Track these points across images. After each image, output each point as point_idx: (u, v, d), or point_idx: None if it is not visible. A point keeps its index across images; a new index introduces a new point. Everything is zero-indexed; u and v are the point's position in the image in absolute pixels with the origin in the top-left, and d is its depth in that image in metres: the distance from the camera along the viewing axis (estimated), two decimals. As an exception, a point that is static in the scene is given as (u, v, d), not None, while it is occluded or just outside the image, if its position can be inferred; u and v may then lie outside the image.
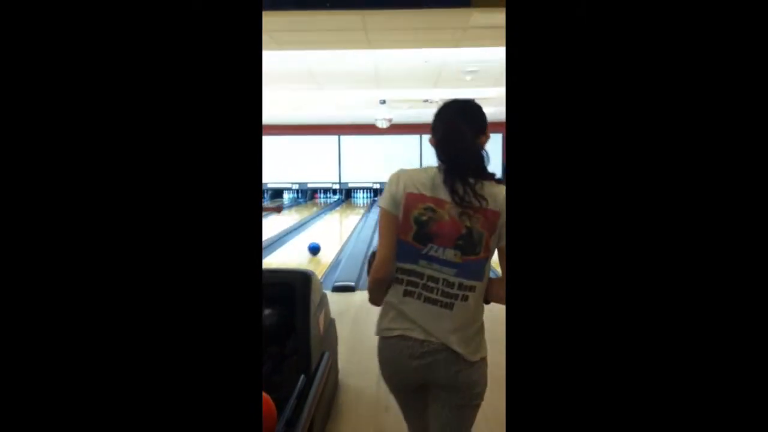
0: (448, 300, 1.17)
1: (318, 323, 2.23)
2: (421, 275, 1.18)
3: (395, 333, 1.20)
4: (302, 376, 1.89)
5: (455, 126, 1.19)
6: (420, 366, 1.18)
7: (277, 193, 13.99)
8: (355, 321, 3.77)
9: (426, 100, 8.27)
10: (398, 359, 1.20)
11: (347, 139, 13.44)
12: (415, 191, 1.19)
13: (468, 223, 1.15)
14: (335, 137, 13.46)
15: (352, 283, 4.80)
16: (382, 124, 10.12)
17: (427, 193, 1.18)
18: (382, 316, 1.24)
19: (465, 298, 1.17)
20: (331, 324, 2.61)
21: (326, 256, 6.39)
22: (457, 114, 1.21)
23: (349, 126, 12.95)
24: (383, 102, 8.92)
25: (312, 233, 8.65)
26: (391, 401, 2.53)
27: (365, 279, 5.39)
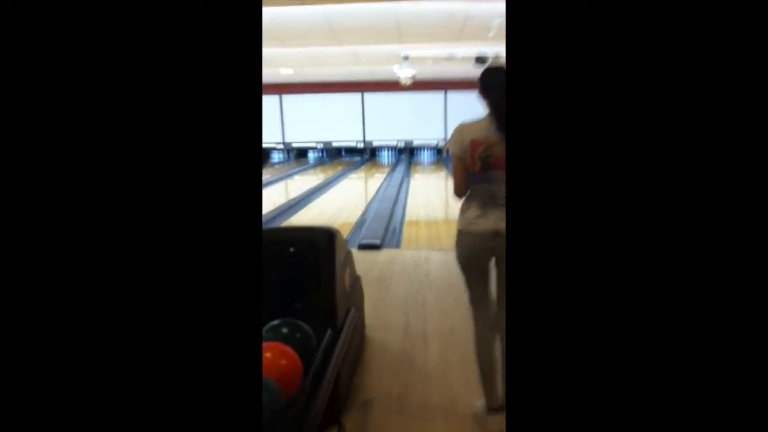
0: (504, 204, 1.74)
1: (343, 280, 2.25)
2: (487, 191, 1.82)
3: (474, 228, 1.85)
4: (329, 331, 1.93)
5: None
6: (491, 246, 1.83)
7: (302, 153, 14.01)
8: (380, 279, 3.81)
9: (449, 57, 8.06)
10: (476, 244, 1.85)
11: (371, 97, 13.27)
12: (476, 137, 1.79)
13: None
14: (358, 95, 13.30)
15: (378, 242, 4.83)
16: (406, 82, 9.95)
17: (485, 137, 1.78)
18: (464, 218, 1.87)
19: None
20: (356, 281, 2.64)
21: (352, 215, 6.43)
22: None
23: (372, 83, 12.76)
24: (406, 58, 8.73)
25: (337, 192, 8.68)
26: (417, 355, 2.58)
27: (390, 237, 5.43)
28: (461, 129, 1.82)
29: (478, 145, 1.78)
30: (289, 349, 1.60)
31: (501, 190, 1.79)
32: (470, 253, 1.87)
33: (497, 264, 1.89)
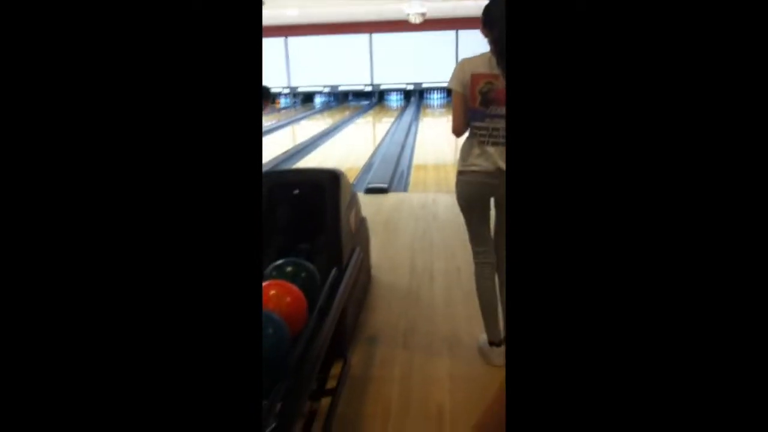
0: (506, 141, 1.61)
1: (349, 220, 2.27)
2: (487, 128, 1.78)
3: (474, 168, 1.84)
4: (334, 269, 1.96)
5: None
6: (492, 185, 1.82)
7: (309, 97, 13.80)
8: (387, 221, 3.84)
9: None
10: (477, 182, 1.84)
11: (379, 38, 12.90)
12: (477, 72, 1.76)
13: None
14: (366, 36, 12.93)
15: (385, 185, 4.83)
16: (416, 20, 9.63)
17: (486, 71, 1.74)
18: (464, 158, 1.86)
19: None
20: (362, 222, 2.66)
21: (359, 159, 6.40)
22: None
23: (380, 23, 12.37)
24: (415, -5, 8.42)
25: (344, 137, 8.60)
26: (422, 293, 2.63)
27: (398, 181, 5.43)
28: (462, 64, 1.81)
29: (479, 80, 1.76)
30: (293, 287, 1.63)
31: (501, 126, 1.76)
32: (470, 193, 1.88)
33: (496, 204, 1.92)
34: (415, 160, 6.23)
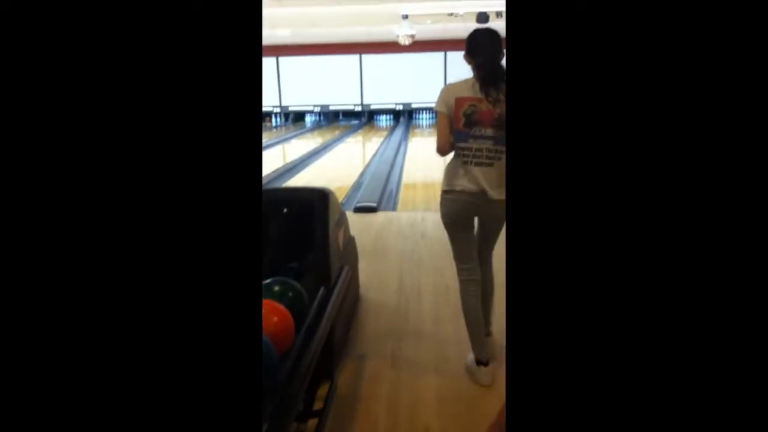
0: (489, 161, 1.84)
1: (337, 239, 2.28)
2: (471, 149, 1.85)
3: (458, 188, 1.88)
4: (322, 288, 1.96)
5: (490, 54, 1.79)
6: (476, 204, 1.87)
7: (300, 116, 13.86)
8: (376, 239, 3.85)
9: (451, 14, 7.88)
10: (461, 201, 1.89)
11: (369, 59, 13.04)
12: (461, 95, 1.84)
13: (498, 110, 1.78)
14: (356, 57, 13.07)
15: (374, 204, 4.84)
16: (405, 41, 9.75)
17: (470, 95, 1.83)
18: (449, 178, 1.91)
19: (499, 158, 1.82)
20: (350, 241, 2.66)
21: (349, 177, 6.42)
22: (489, 43, 1.80)
23: (370, 44, 12.52)
24: (405, 17, 8.54)
25: (334, 156, 8.64)
26: (410, 312, 2.63)
27: (387, 200, 5.42)
28: (447, 88, 1.90)
29: (463, 102, 1.84)
30: (280, 306, 1.63)
31: (485, 147, 1.84)
32: (455, 211, 1.93)
33: (480, 223, 2.00)
34: (404, 179, 6.27)
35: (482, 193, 1.84)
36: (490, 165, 1.83)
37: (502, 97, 1.75)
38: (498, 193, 1.81)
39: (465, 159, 1.86)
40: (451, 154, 1.91)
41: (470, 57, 1.83)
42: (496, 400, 1.90)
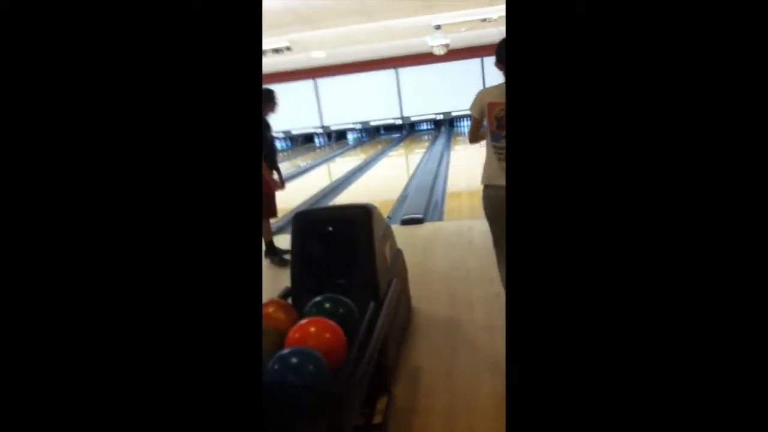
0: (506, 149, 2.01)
1: (384, 253, 2.30)
2: (503, 148, 2.01)
3: (496, 183, 2.06)
4: (371, 303, 1.99)
5: None
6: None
7: (341, 135, 14.07)
8: (424, 251, 3.85)
9: (484, 20, 7.84)
10: (497, 196, 2.06)
11: (405, 72, 13.13)
12: (493, 100, 2.02)
13: None
14: (393, 71, 13.19)
15: (420, 216, 4.85)
16: (440, 51, 9.77)
17: (500, 100, 1.99)
18: (487, 174, 2.12)
19: None
20: (398, 254, 2.68)
21: (394, 191, 6.46)
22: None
23: (405, 57, 12.61)
24: (438, 27, 8.57)
25: (378, 170, 8.72)
26: (462, 322, 2.62)
27: (432, 210, 5.43)
28: (481, 94, 2.12)
29: (495, 107, 2.03)
30: (332, 323, 1.66)
31: None
32: (493, 204, 2.14)
33: None
34: (449, 189, 6.25)
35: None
36: None
37: None
38: None
39: (499, 156, 2.07)
40: (490, 152, 2.13)
41: (501, 64, 2.05)
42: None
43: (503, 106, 1.98)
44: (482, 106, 2.07)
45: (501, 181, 2.06)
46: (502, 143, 2.04)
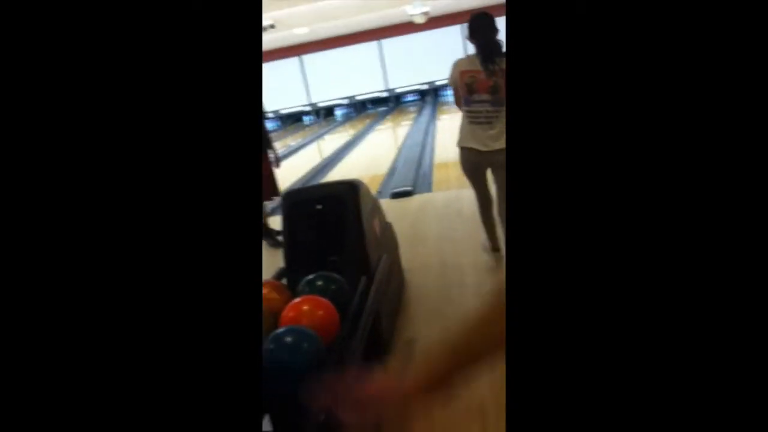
0: (488, 120, 2.32)
1: (373, 228, 2.34)
2: (472, 111, 2.34)
3: (467, 146, 2.41)
4: (363, 278, 2.03)
5: (487, 36, 2.21)
6: (481, 157, 2.39)
7: (329, 111, 13.96)
8: (414, 223, 3.89)
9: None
10: (471, 155, 2.41)
11: (388, 43, 12.97)
12: (464, 69, 2.31)
13: (493, 80, 2.24)
14: (375, 43, 13.04)
15: (410, 188, 4.88)
16: (420, 20, 9.65)
17: (470, 68, 2.29)
18: (461, 136, 2.44)
19: (496, 117, 2.30)
20: (387, 227, 2.72)
21: (383, 165, 6.47)
22: (486, 27, 2.22)
23: (387, 28, 12.45)
24: (418, -5, 8.45)
25: (367, 145, 8.70)
26: (454, 289, 2.67)
27: (421, 182, 5.42)
28: (456, 64, 2.40)
29: (465, 74, 2.33)
30: (324, 300, 1.71)
31: (483, 109, 2.35)
32: (468, 162, 2.48)
33: (493, 171, 2.50)
34: (436, 159, 6.26)
35: (484, 147, 2.37)
36: (488, 123, 2.35)
37: (498, 69, 2.23)
38: (498, 144, 2.33)
39: (470, 119, 2.38)
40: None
41: (471, 39, 2.30)
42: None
43: (472, 73, 2.30)
44: (455, 75, 2.37)
45: (471, 143, 2.39)
46: (472, 107, 2.34)
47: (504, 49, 2.20)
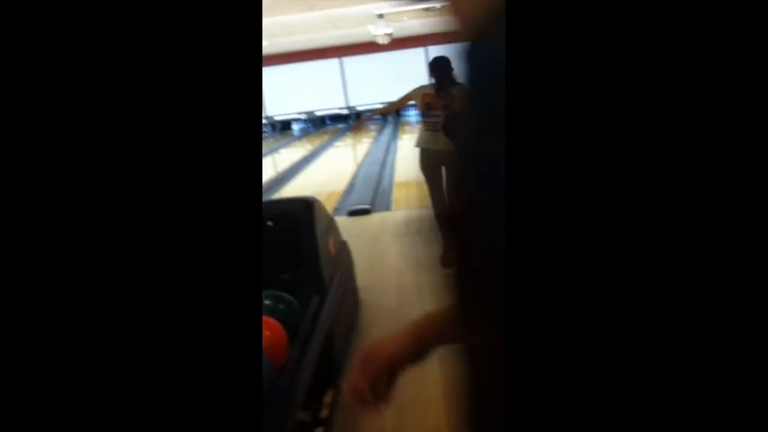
0: (437, 127, 3.07)
1: (327, 246, 2.26)
2: (429, 122, 3.12)
3: (428, 146, 3.12)
4: (314, 297, 1.95)
5: (443, 73, 3.04)
6: (435, 155, 3.08)
7: (287, 125, 13.85)
8: (372, 242, 3.84)
9: (427, 9, 7.88)
10: (429, 156, 3.13)
11: (350, 61, 13.04)
12: (425, 92, 3.16)
13: (444, 102, 3.06)
14: (336, 60, 13.08)
15: (368, 206, 4.83)
16: (383, 40, 9.75)
17: (430, 92, 3.14)
18: (421, 140, 3.20)
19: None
20: (342, 246, 2.65)
21: (341, 182, 6.41)
22: (442, 67, 3.05)
23: (349, 47, 12.52)
24: (381, 16, 8.54)
25: (324, 161, 8.63)
26: (411, 311, 2.63)
27: (380, 200, 5.44)
28: (419, 88, 3.28)
29: (426, 96, 3.20)
30: (271, 320, 1.62)
31: (438, 120, 3.09)
32: (426, 162, 3.18)
33: (446, 167, 3.06)
34: (397, 178, 6.25)
35: (440, 147, 3.04)
36: (439, 131, 3.08)
37: (449, 95, 3.05)
38: (446, 146, 2.96)
39: (427, 128, 3.17)
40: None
41: (431, 74, 3.19)
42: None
43: (431, 96, 3.15)
44: (417, 94, 3.25)
45: (431, 144, 3.12)
46: (429, 119, 3.15)
47: (457, 81, 2.76)
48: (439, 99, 3.11)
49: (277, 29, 8.55)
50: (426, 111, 3.17)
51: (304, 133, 13.23)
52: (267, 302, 1.75)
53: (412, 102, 3.29)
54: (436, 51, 12.60)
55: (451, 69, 3.03)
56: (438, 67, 3.14)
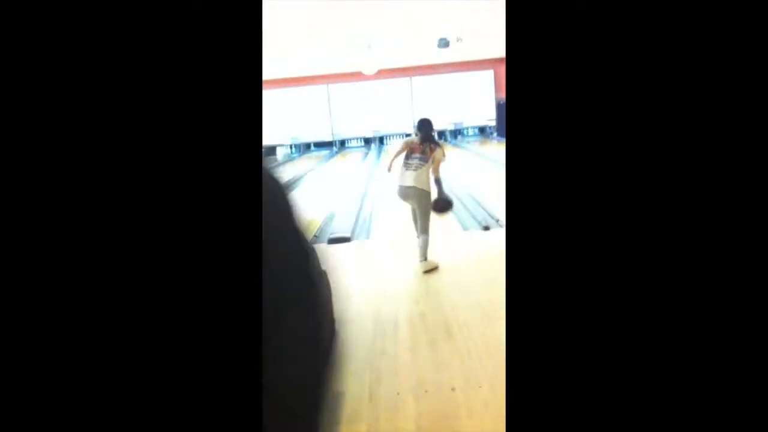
0: (417, 169, 3.78)
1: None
2: (409, 164, 3.82)
3: (401, 184, 3.80)
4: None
5: (425, 131, 3.88)
6: (407, 192, 3.79)
7: (271, 150, 13.84)
8: (351, 270, 3.81)
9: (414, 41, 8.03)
10: (402, 191, 3.81)
11: (336, 89, 13.18)
12: (410, 142, 3.94)
13: (426, 150, 3.84)
14: (324, 87, 13.21)
15: (348, 235, 4.82)
16: (370, 71, 9.90)
17: (413, 143, 3.91)
18: (398, 177, 3.83)
19: (422, 167, 3.78)
20: (322, 276, 2.63)
21: (322, 209, 6.40)
22: (426, 126, 3.89)
23: (337, 75, 12.68)
24: (369, 47, 8.68)
25: (307, 187, 8.63)
26: (388, 342, 2.60)
27: (360, 229, 5.41)
28: (407, 141, 3.93)
29: (412, 143, 3.87)
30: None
31: (416, 162, 3.75)
32: (402, 196, 3.80)
33: (415, 202, 3.76)
34: (378, 206, 6.27)
35: (411, 186, 3.70)
36: (417, 170, 3.72)
37: (428, 147, 3.77)
38: (421, 185, 3.68)
39: (407, 167, 3.77)
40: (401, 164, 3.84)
41: (416, 131, 3.89)
42: (476, 423, 1.88)
43: (415, 146, 3.80)
44: (405, 146, 3.88)
45: (402, 182, 3.74)
46: (410, 161, 3.77)
47: (436, 137, 4.04)
48: (420, 146, 3.89)
49: (266, 53, 8.62)
50: (409, 154, 3.90)
51: (288, 159, 13.24)
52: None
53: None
54: (420, 80, 12.96)
55: (432, 128, 3.92)
56: (422, 126, 4.01)
